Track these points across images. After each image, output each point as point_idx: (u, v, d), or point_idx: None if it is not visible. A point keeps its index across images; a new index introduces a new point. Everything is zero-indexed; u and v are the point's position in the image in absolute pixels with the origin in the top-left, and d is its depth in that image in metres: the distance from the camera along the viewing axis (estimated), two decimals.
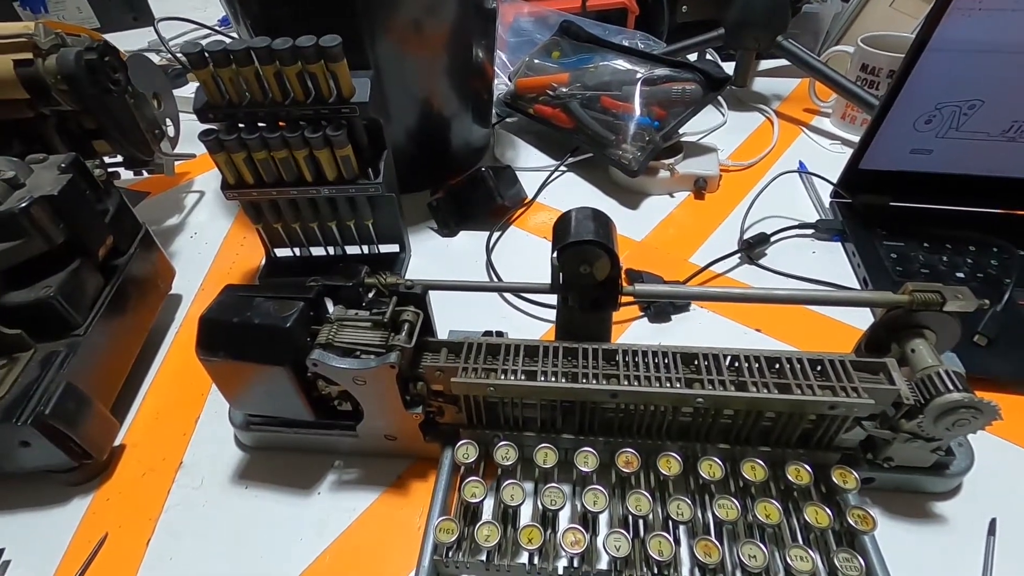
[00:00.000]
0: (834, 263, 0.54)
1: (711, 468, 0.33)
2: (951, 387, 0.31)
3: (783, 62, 0.76)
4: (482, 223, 0.60)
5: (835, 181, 0.58)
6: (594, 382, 0.33)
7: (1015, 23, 0.44)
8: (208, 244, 0.61)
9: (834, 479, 0.33)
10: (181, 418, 0.44)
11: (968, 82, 0.48)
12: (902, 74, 0.49)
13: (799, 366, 0.33)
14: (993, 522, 0.34)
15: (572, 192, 0.66)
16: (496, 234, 0.59)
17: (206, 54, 0.41)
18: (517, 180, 0.63)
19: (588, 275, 0.34)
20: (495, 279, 0.55)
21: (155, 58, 0.90)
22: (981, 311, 0.43)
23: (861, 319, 0.48)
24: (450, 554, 0.32)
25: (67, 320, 0.40)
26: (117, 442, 0.42)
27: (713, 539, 0.31)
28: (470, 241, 0.59)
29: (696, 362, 0.34)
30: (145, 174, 0.62)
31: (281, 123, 0.45)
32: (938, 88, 0.49)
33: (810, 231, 0.57)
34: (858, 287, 0.51)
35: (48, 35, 0.46)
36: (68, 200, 0.39)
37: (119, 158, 0.57)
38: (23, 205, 0.37)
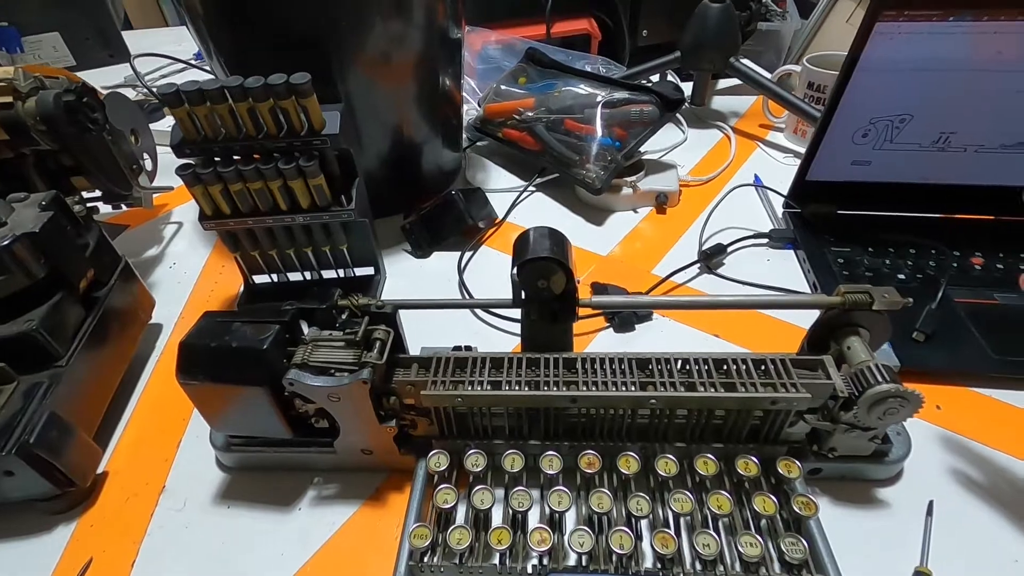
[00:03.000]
0: (787, 270, 0.57)
1: (667, 465, 0.35)
2: (880, 379, 0.34)
3: (739, 81, 0.81)
4: (454, 244, 0.63)
5: (786, 193, 0.61)
6: (555, 389, 0.35)
7: (933, 45, 0.49)
8: (187, 273, 0.63)
9: (780, 469, 0.35)
10: (163, 443, 0.45)
11: (897, 98, 0.52)
12: (836, 92, 0.52)
13: (744, 366, 0.36)
14: (931, 504, 0.37)
15: (541, 211, 0.69)
16: (468, 254, 0.62)
17: (181, 94, 0.43)
18: (488, 201, 0.66)
19: (546, 289, 0.36)
20: (467, 297, 0.57)
21: (131, 93, 0.92)
22: (917, 309, 0.46)
23: (808, 321, 0.50)
24: (424, 559, 0.33)
25: (49, 352, 0.41)
26: (100, 469, 0.43)
27: (671, 531, 0.33)
28: (443, 261, 0.62)
29: (650, 367, 0.36)
30: (124, 207, 0.63)
31: (255, 155, 0.47)
32: (870, 104, 0.53)
33: (764, 240, 0.61)
34: (809, 291, 0.54)
35: (27, 79, 0.48)
36: (49, 236, 0.41)
37: (98, 193, 0.59)
38: (5, 243, 0.39)
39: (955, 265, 0.53)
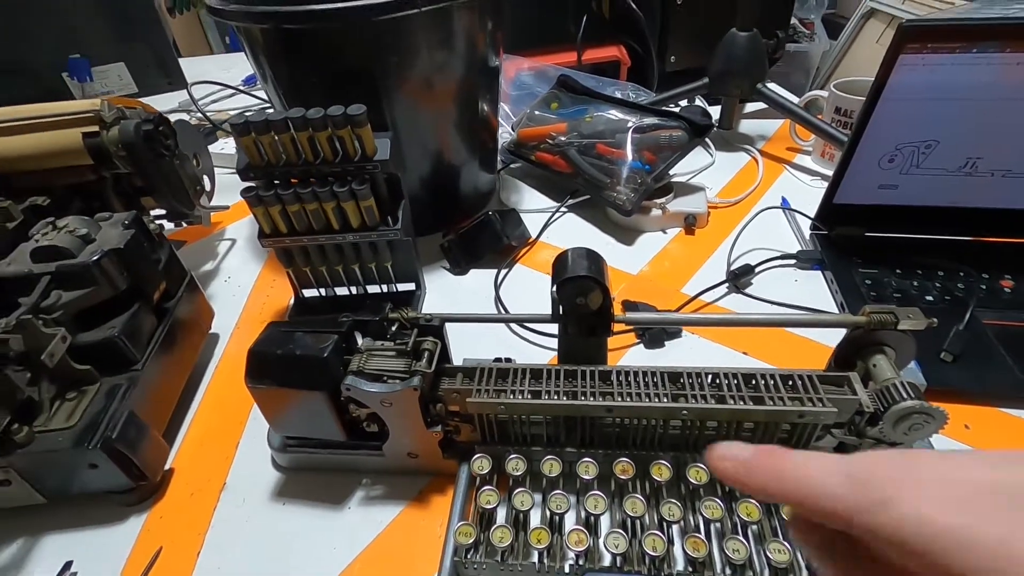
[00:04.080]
0: (815, 291, 0.59)
1: (698, 474, 0.37)
2: (906, 396, 0.35)
3: (766, 105, 0.83)
4: (490, 262, 0.66)
5: (813, 215, 0.63)
6: (592, 399, 0.37)
7: (956, 75, 0.50)
8: (241, 287, 0.67)
9: None
10: (223, 444, 0.49)
11: (922, 125, 0.54)
12: (862, 119, 0.54)
13: (772, 381, 0.37)
14: None
15: (572, 231, 0.72)
16: (503, 271, 0.65)
17: (249, 124, 0.47)
18: (521, 221, 0.69)
19: (583, 305, 0.39)
20: (503, 312, 0.60)
21: (186, 117, 0.98)
22: (945, 330, 0.48)
23: (834, 340, 0.52)
24: (468, 555, 0.36)
25: (128, 356, 0.45)
26: (167, 465, 0.47)
27: (701, 536, 0.35)
28: (479, 278, 0.65)
29: (681, 380, 0.38)
30: (184, 225, 0.68)
31: (312, 179, 0.52)
32: (896, 131, 0.55)
33: (792, 261, 0.62)
34: (836, 312, 0.56)
35: (111, 110, 0.53)
36: (131, 252, 0.45)
37: (161, 211, 0.64)
38: (95, 258, 0.43)
39: (984, 287, 0.54)
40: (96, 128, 0.53)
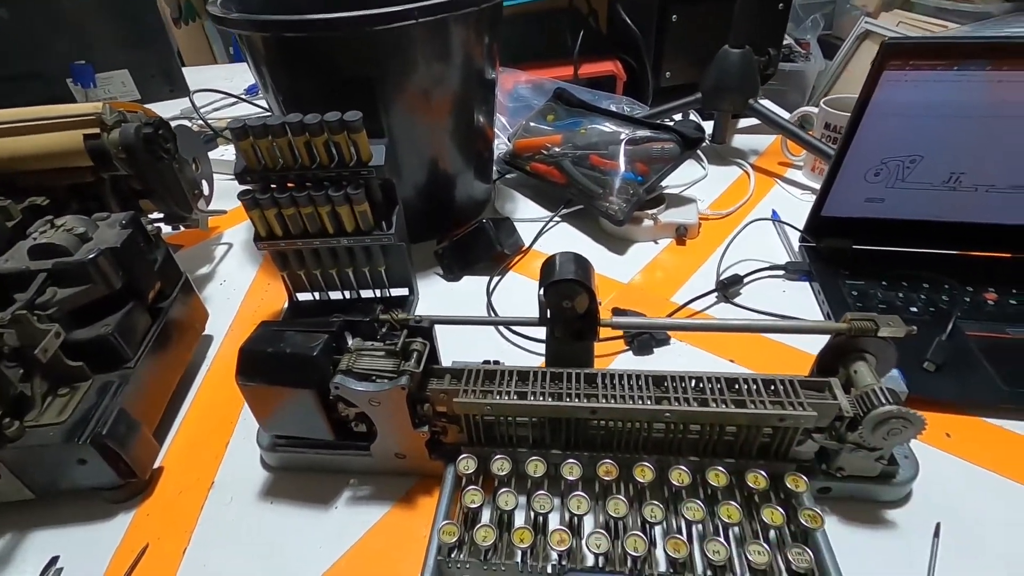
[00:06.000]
0: (802, 301, 0.60)
1: (680, 476, 0.38)
2: (884, 401, 0.36)
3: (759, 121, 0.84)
4: (484, 269, 0.67)
5: (802, 228, 0.64)
6: (577, 401, 0.38)
7: (939, 91, 0.52)
8: (236, 290, 0.68)
9: (788, 484, 0.37)
10: (213, 443, 0.49)
11: (907, 140, 0.55)
12: (848, 134, 0.55)
13: (755, 385, 0.38)
14: (938, 526, 0.38)
15: (565, 240, 0.72)
16: (496, 279, 0.66)
17: (248, 128, 0.48)
18: (515, 230, 0.70)
19: (570, 309, 0.40)
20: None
21: (188, 124, 1.00)
22: (928, 340, 0.48)
23: (818, 349, 0.52)
24: (452, 554, 0.36)
25: (121, 354, 0.45)
26: (157, 464, 0.47)
27: (683, 537, 0.35)
28: (472, 285, 0.66)
29: (665, 383, 0.39)
30: (182, 228, 0.69)
31: (308, 183, 0.52)
32: (881, 146, 0.56)
33: (781, 272, 0.63)
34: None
35: (112, 113, 0.54)
36: (127, 252, 0.46)
37: (159, 214, 0.65)
38: (91, 256, 0.44)
39: (967, 300, 0.55)
40: (97, 130, 0.54)
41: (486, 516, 0.38)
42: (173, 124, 0.65)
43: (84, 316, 0.45)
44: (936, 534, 0.38)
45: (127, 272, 0.47)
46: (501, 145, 0.85)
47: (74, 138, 0.53)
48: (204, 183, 0.71)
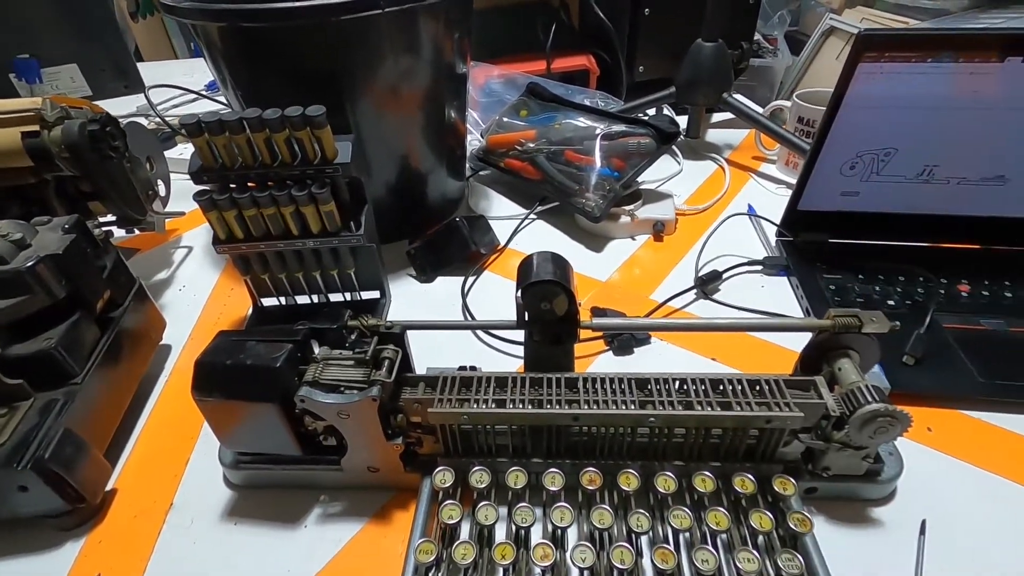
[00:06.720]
0: (781, 296, 0.59)
1: (666, 482, 0.36)
2: (871, 399, 0.35)
3: (733, 115, 0.84)
4: (458, 269, 0.65)
5: (779, 222, 0.64)
6: (558, 407, 0.36)
7: (914, 84, 0.51)
8: (196, 296, 0.64)
9: (776, 487, 0.36)
10: (171, 461, 0.46)
11: (882, 133, 0.55)
12: (823, 127, 0.55)
13: (740, 386, 0.37)
14: (923, 523, 0.38)
15: (542, 238, 0.71)
16: (471, 279, 0.64)
17: (202, 124, 0.45)
18: (490, 228, 0.68)
19: (549, 311, 0.38)
20: (471, 320, 0.58)
21: (144, 122, 0.95)
22: (906, 334, 0.48)
23: (801, 345, 0.52)
24: (429, 574, 0.34)
25: (66, 370, 0.42)
26: (109, 486, 0.44)
27: (670, 547, 0.34)
28: (447, 286, 0.63)
29: (648, 387, 0.37)
30: (136, 232, 0.65)
31: (269, 183, 0.50)
32: (856, 139, 0.56)
33: (759, 267, 0.63)
34: (802, 316, 0.56)
35: (54, 109, 0.51)
36: (71, 258, 0.43)
37: (112, 217, 0.61)
38: (30, 264, 0.40)
39: (942, 292, 0.55)
40: (36, 128, 0.50)
41: (465, 531, 0.37)
42: (128, 121, 0.61)
43: (24, 329, 0.42)
44: (922, 531, 0.38)
45: (71, 280, 0.43)
46: (474, 141, 0.83)
47: (10, 136, 0.49)
48: (160, 183, 0.67)
